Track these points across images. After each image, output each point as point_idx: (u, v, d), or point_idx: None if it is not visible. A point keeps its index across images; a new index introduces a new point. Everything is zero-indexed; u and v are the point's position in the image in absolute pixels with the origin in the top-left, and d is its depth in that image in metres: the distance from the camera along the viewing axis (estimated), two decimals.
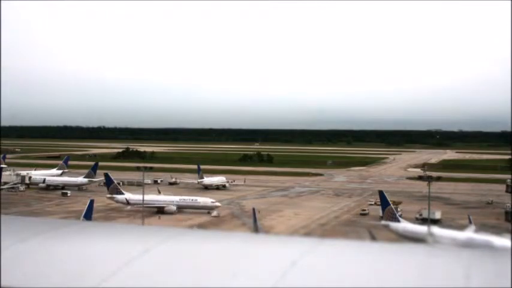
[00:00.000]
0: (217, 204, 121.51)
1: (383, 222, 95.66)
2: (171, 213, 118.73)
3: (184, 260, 5.72)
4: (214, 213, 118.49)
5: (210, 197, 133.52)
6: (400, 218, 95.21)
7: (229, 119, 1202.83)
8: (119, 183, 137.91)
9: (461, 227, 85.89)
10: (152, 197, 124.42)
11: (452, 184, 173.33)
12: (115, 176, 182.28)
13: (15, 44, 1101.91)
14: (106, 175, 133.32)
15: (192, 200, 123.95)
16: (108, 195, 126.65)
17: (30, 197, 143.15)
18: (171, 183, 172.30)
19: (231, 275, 5.25)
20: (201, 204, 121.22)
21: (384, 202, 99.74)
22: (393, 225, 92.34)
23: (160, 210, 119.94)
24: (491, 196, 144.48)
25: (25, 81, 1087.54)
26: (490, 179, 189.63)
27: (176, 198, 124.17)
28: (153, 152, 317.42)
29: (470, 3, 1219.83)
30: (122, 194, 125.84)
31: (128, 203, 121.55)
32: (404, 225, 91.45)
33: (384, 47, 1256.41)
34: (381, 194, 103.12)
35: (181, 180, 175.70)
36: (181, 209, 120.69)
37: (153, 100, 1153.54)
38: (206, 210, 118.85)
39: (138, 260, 5.63)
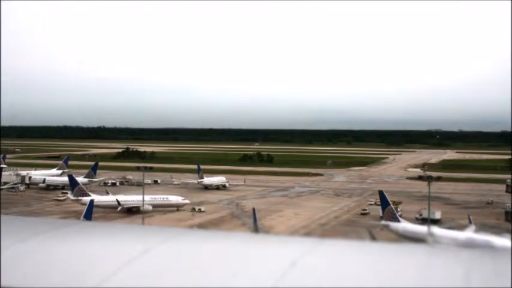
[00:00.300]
0: (187, 201, 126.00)
1: (383, 222, 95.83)
2: (146, 212, 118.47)
3: (184, 260, 5.72)
4: (202, 208, 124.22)
5: (210, 197, 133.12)
6: (400, 218, 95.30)
7: (229, 119, 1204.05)
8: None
9: (461, 227, 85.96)
10: (125, 197, 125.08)
11: (452, 184, 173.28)
12: (115, 176, 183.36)
13: (15, 44, 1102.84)
14: (70, 176, 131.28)
15: (163, 198, 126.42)
16: (73, 198, 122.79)
17: (30, 197, 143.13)
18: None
19: (231, 275, 5.25)
20: (173, 202, 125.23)
21: (383, 202, 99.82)
22: (393, 225, 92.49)
23: (136, 210, 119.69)
24: (491, 196, 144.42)
25: (25, 81, 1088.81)
26: (490, 179, 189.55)
27: (147, 198, 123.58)
28: (153, 152, 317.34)
29: (470, 3, 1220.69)
30: (89, 195, 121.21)
31: (118, 203, 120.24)
32: (404, 225, 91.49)
33: (384, 47, 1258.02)
34: (381, 194, 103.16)
35: (181, 181, 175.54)
36: (154, 207, 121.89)
37: (153, 100, 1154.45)
38: (176, 208, 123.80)
39: (138, 260, 5.63)
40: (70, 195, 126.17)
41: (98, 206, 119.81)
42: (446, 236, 77.89)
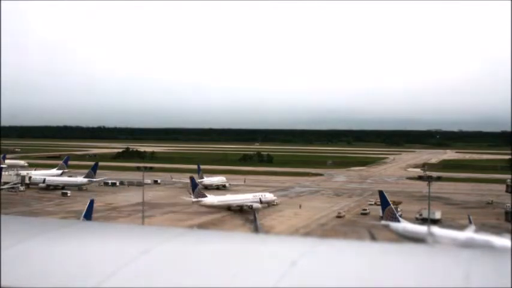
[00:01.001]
0: (275, 198, 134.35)
1: (383, 222, 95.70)
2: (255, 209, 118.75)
3: (184, 260, 5.72)
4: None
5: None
6: (400, 218, 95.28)
7: (229, 119, 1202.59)
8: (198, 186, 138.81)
9: (461, 227, 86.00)
10: (231, 197, 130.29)
11: (452, 184, 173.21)
12: (114, 176, 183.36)
13: (15, 44, 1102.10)
14: (191, 179, 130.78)
15: (262, 195, 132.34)
16: (194, 199, 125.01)
17: (30, 197, 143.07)
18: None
19: (231, 275, 5.25)
20: (268, 199, 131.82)
21: (384, 202, 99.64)
22: (393, 225, 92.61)
23: (242, 209, 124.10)
24: (491, 196, 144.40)
25: (25, 81, 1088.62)
26: (490, 179, 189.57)
27: (250, 196, 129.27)
28: (153, 152, 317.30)
29: (470, 3, 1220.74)
30: (206, 197, 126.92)
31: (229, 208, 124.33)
32: (405, 225, 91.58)
33: (383, 47, 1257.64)
34: (381, 194, 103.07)
35: (180, 180, 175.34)
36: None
37: (153, 100, 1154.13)
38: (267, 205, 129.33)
39: (138, 260, 5.64)
40: (192, 197, 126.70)
41: (216, 207, 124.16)
42: (446, 236, 78.13)
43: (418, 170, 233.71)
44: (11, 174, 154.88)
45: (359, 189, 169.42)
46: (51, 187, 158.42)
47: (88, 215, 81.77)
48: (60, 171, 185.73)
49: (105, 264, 5.59)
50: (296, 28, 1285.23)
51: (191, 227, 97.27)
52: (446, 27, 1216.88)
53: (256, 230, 77.59)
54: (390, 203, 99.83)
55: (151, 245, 5.96)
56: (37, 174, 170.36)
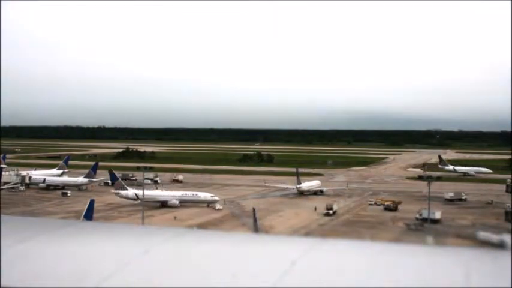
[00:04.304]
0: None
1: (113, 191, 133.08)
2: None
3: (184, 260, 5.72)
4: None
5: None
6: (127, 187, 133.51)
7: (229, 119, 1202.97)
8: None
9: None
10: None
11: (452, 184, 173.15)
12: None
13: (15, 44, 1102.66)
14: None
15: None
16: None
17: (30, 197, 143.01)
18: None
19: (231, 275, 5.25)
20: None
21: (112, 178, 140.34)
22: (121, 192, 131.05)
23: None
24: (491, 196, 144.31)
25: (25, 81, 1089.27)
26: (490, 179, 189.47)
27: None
28: (153, 152, 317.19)
29: (470, 3, 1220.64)
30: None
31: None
32: (127, 192, 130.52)
33: (384, 47, 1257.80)
34: (110, 172, 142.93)
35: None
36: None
37: (153, 100, 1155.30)
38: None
39: (138, 260, 5.64)
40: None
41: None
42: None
43: (418, 170, 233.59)
44: (11, 174, 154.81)
45: (359, 189, 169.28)
46: (51, 187, 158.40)
47: (88, 215, 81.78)
48: (60, 171, 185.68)
49: (105, 264, 5.59)
50: (296, 28, 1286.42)
51: (191, 227, 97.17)
52: (447, 27, 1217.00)
53: (256, 230, 77.59)
54: (118, 177, 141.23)
55: (151, 245, 5.96)
56: (37, 174, 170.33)
